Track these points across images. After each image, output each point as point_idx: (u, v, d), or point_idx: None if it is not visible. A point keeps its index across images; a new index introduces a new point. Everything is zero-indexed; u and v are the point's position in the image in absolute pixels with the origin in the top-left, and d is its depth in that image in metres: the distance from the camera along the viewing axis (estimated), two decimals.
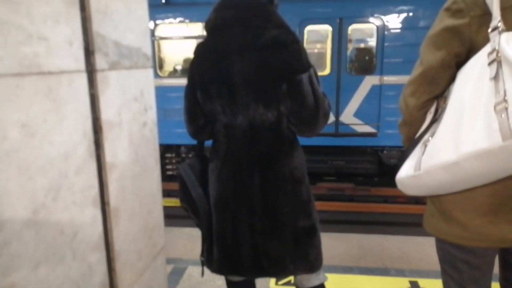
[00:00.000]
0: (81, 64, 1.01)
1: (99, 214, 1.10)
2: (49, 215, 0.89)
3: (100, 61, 1.08)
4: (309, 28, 6.33)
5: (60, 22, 0.91)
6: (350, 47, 6.49)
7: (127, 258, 1.26)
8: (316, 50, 6.84)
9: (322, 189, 6.91)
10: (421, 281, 2.86)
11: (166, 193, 6.43)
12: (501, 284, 1.57)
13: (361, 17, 6.13)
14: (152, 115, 1.41)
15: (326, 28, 6.36)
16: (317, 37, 6.74)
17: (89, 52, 1.04)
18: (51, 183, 0.90)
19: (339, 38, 6.18)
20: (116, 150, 1.17)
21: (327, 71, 6.31)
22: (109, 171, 1.14)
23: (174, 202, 5.93)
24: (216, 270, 1.85)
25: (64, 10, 0.92)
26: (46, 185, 0.89)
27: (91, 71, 1.05)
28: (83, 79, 1.02)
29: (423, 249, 3.46)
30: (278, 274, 1.80)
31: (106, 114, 1.11)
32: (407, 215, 6.10)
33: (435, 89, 1.29)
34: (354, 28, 6.36)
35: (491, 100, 1.03)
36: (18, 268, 0.82)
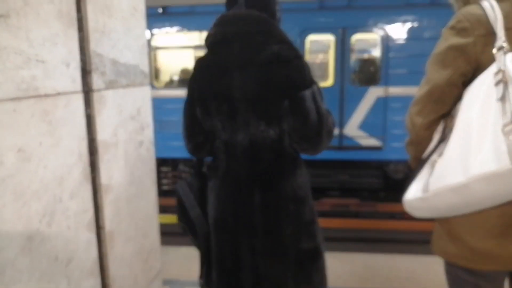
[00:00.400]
0: (78, 84, 1.03)
1: (93, 238, 1.12)
2: (44, 241, 0.91)
3: (97, 81, 1.10)
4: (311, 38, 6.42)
5: (58, 43, 0.94)
6: (353, 57, 6.57)
7: (123, 283, 1.27)
8: (318, 61, 6.94)
9: (326, 205, 6.90)
10: None
11: (162, 209, 6.40)
12: None
13: (364, 27, 6.23)
14: (149, 133, 1.43)
15: (329, 38, 6.45)
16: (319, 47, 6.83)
17: (86, 72, 1.07)
18: (46, 208, 0.92)
19: (342, 48, 6.27)
20: (112, 172, 1.20)
21: (330, 82, 6.38)
22: (104, 193, 1.16)
23: (170, 218, 5.91)
24: None
25: (62, 32, 0.95)
26: (41, 210, 0.91)
27: (87, 91, 1.08)
28: (79, 100, 1.04)
29: (431, 269, 3.44)
30: None
31: (102, 134, 1.14)
32: (415, 233, 6.08)
33: (442, 108, 1.31)
34: (357, 38, 6.45)
35: (499, 121, 1.06)
36: None
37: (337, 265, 3.59)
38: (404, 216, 6.65)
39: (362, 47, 6.86)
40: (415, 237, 5.98)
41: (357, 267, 3.56)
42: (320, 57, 6.94)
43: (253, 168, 1.67)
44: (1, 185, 0.79)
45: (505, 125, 1.04)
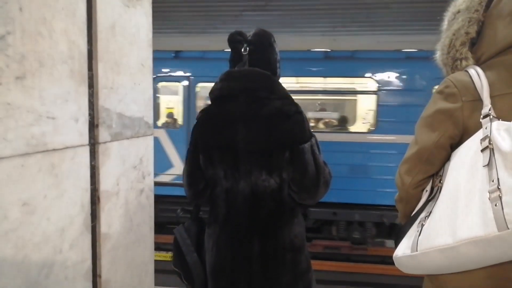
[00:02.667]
0: (85, 138, 1.05)
1: (89, 287, 1.10)
2: None
3: (103, 134, 1.12)
4: None
5: (69, 100, 0.97)
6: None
7: None
8: None
9: (318, 247, 6.82)
10: None
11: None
12: None
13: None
14: (149, 181, 1.44)
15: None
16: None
17: (93, 126, 1.08)
18: (45, 260, 0.91)
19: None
20: (112, 220, 1.19)
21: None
22: (103, 242, 1.15)
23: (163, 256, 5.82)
24: None
25: (73, 89, 0.98)
26: (40, 262, 0.90)
27: (93, 143, 1.09)
28: (85, 152, 1.06)
29: None
30: None
31: (104, 184, 1.14)
32: (405, 277, 5.99)
33: (430, 169, 1.33)
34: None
35: (485, 187, 1.07)
36: None
37: None
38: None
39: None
40: (404, 281, 5.89)
41: None
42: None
43: (253, 217, 1.68)
44: (3, 239, 0.79)
45: (491, 192, 1.05)
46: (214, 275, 1.76)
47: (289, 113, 1.59)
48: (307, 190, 1.65)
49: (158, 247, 6.22)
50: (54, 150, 0.92)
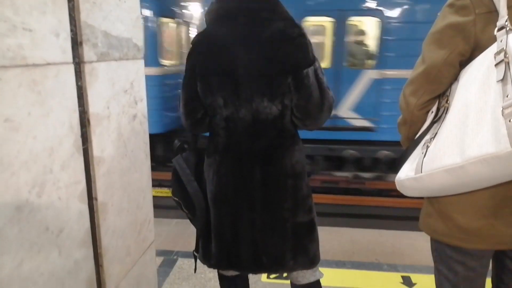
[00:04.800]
0: (68, 55, 0.99)
1: (86, 209, 1.09)
2: (34, 211, 0.88)
3: (88, 53, 1.06)
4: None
5: (46, 12, 0.89)
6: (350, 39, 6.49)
7: (115, 254, 1.25)
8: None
9: (316, 181, 6.94)
10: (413, 276, 2.89)
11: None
12: (492, 282, 1.59)
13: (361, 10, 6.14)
14: (142, 107, 1.39)
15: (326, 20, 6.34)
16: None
17: (77, 43, 1.02)
18: (35, 178, 0.89)
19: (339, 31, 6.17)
20: (105, 144, 1.16)
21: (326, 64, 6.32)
22: (96, 165, 1.12)
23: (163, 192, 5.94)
24: (214, 265, 1.84)
25: (50, 1, 0.90)
26: (30, 181, 0.88)
27: (78, 62, 1.03)
28: (70, 71, 1.00)
29: (416, 244, 3.49)
30: (278, 270, 1.79)
31: (94, 107, 1.10)
32: (401, 209, 6.16)
33: (437, 88, 1.28)
34: (353, 21, 6.35)
35: (499, 104, 1.02)
36: (1, 266, 0.81)
37: (326, 239, 3.62)
38: (391, 193, 6.73)
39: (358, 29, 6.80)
40: (400, 213, 6.06)
41: (345, 242, 3.59)
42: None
43: (254, 144, 1.65)
44: None
45: (505, 107, 1.00)
46: (216, 203, 1.77)
47: (292, 35, 1.50)
48: (311, 116, 1.61)
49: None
50: (34, 65, 0.87)
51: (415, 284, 2.83)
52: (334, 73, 6.24)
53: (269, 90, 1.55)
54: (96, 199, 1.14)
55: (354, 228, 4.08)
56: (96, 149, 1.12)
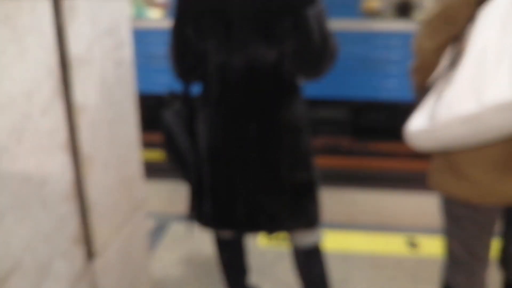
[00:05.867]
0: None
1: (70, 161, 1.07)
2: (13, 160, 0.86)
3: None
4: None
5: None
6: None
7: (103, 211, 1.25)
8: None
9: (318, 143, 6.96)
10: (417, 237, 2.95)
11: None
12: (500, 242, 1.62)
13: None
14: (128, 53, 1.35)
15: None
16: None
17: None
18: (14, 124, 0.86)
19: None
20: (88, 91, 1.13)
21: None
22: (80, 113, 1.10)
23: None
24: (208, 224, 1.84)
25: None
26: (8, 126, 0.85)
27: None
28: (46, 6, 0.95)
29: (419, 206, 3.54)
30: (274, 229, 1.79)
31: (75, 48, 1.06)
32: (405, 172, 6.22)
33: (453, 29, 1.24)
34: None
35: None
36: None
37: (328, 201, 3.66)
38: (396, 155, 6.77)
39: None
40: (404, 175, 6.12)
41: (348, 204, 3.64)
42: None
43: (249, 95, 1.61)
44: None
45: None
46: (209, 159, 1.75)
47: None
48: (311, 64, 1.57)
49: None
50: None
51: (419, 245, 2.89)
52: None
53: (266, 34, 1.50)
54: (81, 151, 1.12)
55: (357, 190, 4.13)
56: (79, 96, 1.09)
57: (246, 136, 1.63)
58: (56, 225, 1.02)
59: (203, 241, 2.90)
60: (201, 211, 1.85)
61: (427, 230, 3.04)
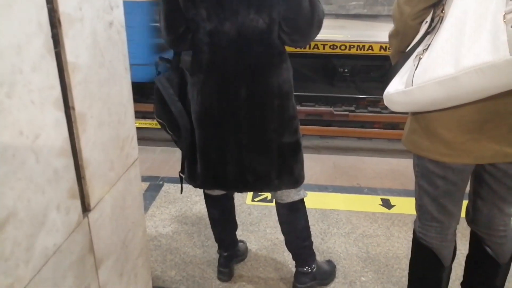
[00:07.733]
0: None
1: (63, 118, 1.03)
2: (4, 112, 0.82)
3: None
4: None
5: None
6: None
7: (97, 167, 1.21)
8: None
9: (301, 114, 6.94)
10: (392, 199, 2.99)
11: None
12: (469, 197, 1.64)
13: None
14: (119, 15, 1.28)
15: None
16: None
17: None
18: (3, 77, 0.81)
19: None
20: (79, 49, 1.07)
21: None
22: (71, 72, 1.05)
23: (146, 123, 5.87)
24: (200, 185, 1.85)
25: None
26: None
27: None
28: None
29: (395, 169, 3.58)
30: (263, 189, 1.81)
31: (64, 6, 0.99)
32: (382, 140, 6.27)
33: None
34: None
35: (500, 9, 0.96)
36: None
37: (309, 165, 3.67)
38: (373, 125, 6.80)
39: None
40: (382, 145, 6.18)
41: (328, 168, 3.66)
42: None
43: (239, 61, 1.58)
44: None
45: (507, 13, 0.94)
46: (201, 123, 1.73)
47: None
48: (300, 31, 1.53)
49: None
50: None
51: (393, 206, 2.93)
52: None
53: (256, 1, 1.45)
54: (73, 108, 1.08)
55: (337, 155, 4.14)
56: (70, 54, 1.04)
57: (236, 100, 1.61)
58: (50, 178, 0.99)
59: (193, 201, 2.90)
60: (193, 172, 1.84)
61: (402, 192, 3.08)
